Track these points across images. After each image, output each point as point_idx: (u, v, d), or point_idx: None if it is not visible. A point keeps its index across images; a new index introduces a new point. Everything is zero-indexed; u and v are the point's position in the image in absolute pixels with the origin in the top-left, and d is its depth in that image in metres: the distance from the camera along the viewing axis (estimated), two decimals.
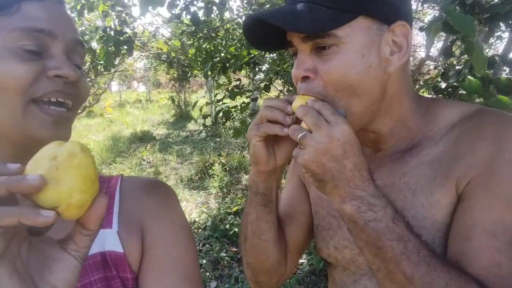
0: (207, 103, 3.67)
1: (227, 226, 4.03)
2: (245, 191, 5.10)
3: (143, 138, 9.13)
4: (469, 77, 1.62)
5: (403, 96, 0.75)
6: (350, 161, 0.63)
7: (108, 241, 0.64)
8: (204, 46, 3.82)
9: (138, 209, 0.69)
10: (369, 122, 0.74)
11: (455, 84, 1.95)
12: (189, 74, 10.94)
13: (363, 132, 0.76)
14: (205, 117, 3.51)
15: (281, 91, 3.72)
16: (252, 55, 3.22)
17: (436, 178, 0.70)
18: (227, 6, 3.43)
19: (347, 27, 0.65)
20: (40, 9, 0.59)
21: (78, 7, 2.61)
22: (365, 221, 0.63)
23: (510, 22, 1.70)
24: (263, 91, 3.30)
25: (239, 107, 3.27)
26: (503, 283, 0.60)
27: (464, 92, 1.67)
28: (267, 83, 3.30)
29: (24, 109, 0.57)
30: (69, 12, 0.69)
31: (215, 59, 3.59)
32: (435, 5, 2.55)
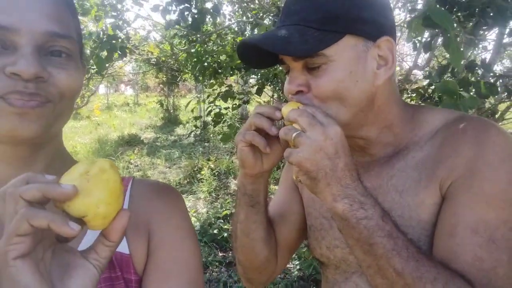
0: (198, 101, 3.68)
1: (216, 230, 4.03)
2: (234, 196, 5.11)
3: (131, 142, 9.06)
4: (447, 78, 1.68)
5: (390, 105, 0.80)
6: (342, 160, 0.67)
7: None
8: (195, 49, 3.84)
9: (146, 212, 0.70)
10: (356, 129, 0.78)
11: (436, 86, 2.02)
12: (178, 78, 10.91)
13: (352, 138, 0.80)
14: (196, 118, 3.52)
15: (271, 96, 3.76)
16: None
17: (421, 180, 0.74)
18: (221, 12, 3.47)
19: (335, 46, 0.70)
20: (4, 2, 0.55)
21: None
22: (357, 218, 0.66)
23: (486, 19, 1.78)
24: (254, 95, 3.33)
25: (230, 108, 3.30)
26: (484, 277, 0.65)
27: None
28: (260, 87, 3.34)
29: None
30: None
31: (205, 63, 3.62)
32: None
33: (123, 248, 0.65)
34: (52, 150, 0.66)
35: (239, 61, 3.35)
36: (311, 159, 0.65)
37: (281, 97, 3.76)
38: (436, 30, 1.81)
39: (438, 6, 1.54)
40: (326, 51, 0.70)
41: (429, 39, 2.18)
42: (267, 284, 1.03)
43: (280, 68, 3.64)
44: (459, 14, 1.86)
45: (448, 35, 1.40)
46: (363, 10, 0.72)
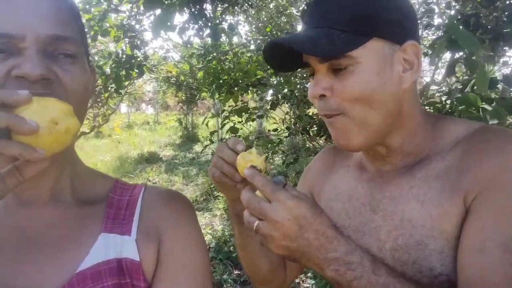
0: (213, 116, 3.72)
1: (231, 248, 4.00)
2: None
3: (150, 159, 9.19)
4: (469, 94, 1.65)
5: (415, 112, 0.79)
6: (310, 231, 0.65)
7: (126, 248, 0.65)
8: (212, 65, 3.90)
9: (157, 219, 0.70)
10: (383, 136, 0.76)
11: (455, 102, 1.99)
12: (197, 97, 11.10)
13: (375, 146, 0.79)
14: (212, 133, 3.55)
15: (287, 113, 3.77)
16: (259, 76, 3.29)
17: (445, 190, 0.72)
18: (235, 31, 3.54)
19: (362, 48, 0.69)
20: (8, 10, 0.56)
21: (92, 32, 2.71)
22: (347, 281, 0.65)
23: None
24: (269, 110, 3.35)
25: (244, 122, 3.32)
26: None
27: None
28: (274, 101, 3.36)
29: None
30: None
31: (221, 80, 3.67)
32: (438, 30, 2.61)
33: (134, 255, 0.65)
34: (64, 158, 0.67)
35: (254, 78, 3.39)
36: (281, 247, 0.66)
37: (294, 112, 3.76)
38: (461, 53, 1.78)
39: (461, 27, 1.52)
40: (353, 53, 0.69)
41: (452, 61, 2.15)
42: None
43: (299, 74, 3.67)
44: (482, 36, 1.84)
45: (474, 57, 1.38)
46: (391, 12, 0.71)
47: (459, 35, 1.29)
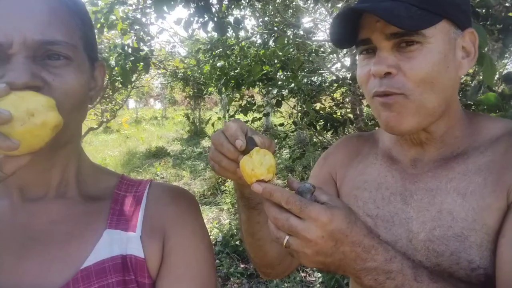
0: (219, 118, 3.73)
1: (238, 242, 4.01)
2: None
3: (158, 154, 9.24)
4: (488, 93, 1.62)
5: (457, 103, 0.79)
6: (346, 244, 0.61)
7: (131, 245, 0.65)
8: (218, 64, 3.91)
9: (162, 216, 0.70)
10: (433, 120, 0.75)
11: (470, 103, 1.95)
12: (204, 92, 11.11)
13: (417, 133, 0.78)
14: None
15: (294, 107, 3.75)
16: (265, 71, 3.28)
17: (487, 184, 0.72)
18: (241, 25, 3.52)
19: (433, 28, 0.69)
20: None
21: (98, 25, 2.72)
22: None
23: None
24: (275, 107, 3.34)
25: (250, 122, 3.31)
26: None
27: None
28: (279, 99, 3.35)
29: None
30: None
31: (228, 76, 3.67)
32: None
33: (138, 251, 0.65)
34: (69, 154, 0.67)
35: (260, 74, 3.38)
36: (315, 262, 0.63)
37: (302, 108, 3.74)
38: None
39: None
40: (426, 31, 0.68)
41: None
42: (284, 276, 1.00)
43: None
44: (491, 27, 1.80)
45: (482, 51, 1.36)
46: None
47: None
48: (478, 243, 0.69)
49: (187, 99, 13.65)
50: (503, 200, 0.69)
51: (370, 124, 3.56)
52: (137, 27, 2.79)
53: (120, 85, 3.54)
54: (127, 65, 2.72)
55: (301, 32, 3.67)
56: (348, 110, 3.74)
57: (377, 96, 0.73)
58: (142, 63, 2.72)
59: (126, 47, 2.75)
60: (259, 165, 0.64)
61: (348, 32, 0.75)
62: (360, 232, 0.62)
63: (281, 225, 0.62)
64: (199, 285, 0.67)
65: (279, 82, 3.86)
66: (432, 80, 0.70)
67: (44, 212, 0.65)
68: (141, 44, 2.85)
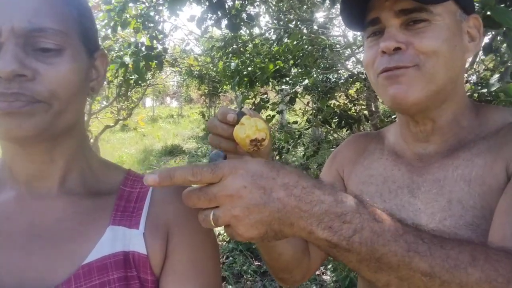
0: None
1: None
2: None
3: (173, 152, 9.33)
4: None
5: (463, 92, 0.79)
6: (278, 189, 0.50)
7: (133, 241, 0.65)
8: (232, 64, 3.91)
9: (166, 213, 0.69)
10: (437, 105, 0.75)
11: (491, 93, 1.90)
12: (219, 90, 11.15)
13: (422, 120, 0.78)
14: None
15: (308, 103, 3.72)
16: (278, 67, 3.25)
17: (486, 164, 0.71)
18: (254, 22, 3.50)
19: (441, 6, 0.71)
20: None
21: (112, 24, 2.75)
22: (346, 238, 0.50)
23: None
24: (288, 104, 3.31)
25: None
26: None
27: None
28: (292, 96, 3.32)
29: None
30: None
31: (242, 74, 3.66)
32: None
33: (141, 248, 0.64)
34: (72, 146, 0.67)
35: (273, 70, 3.36)
36: (252, 226, 0.50)
37: (315, 103, 3.70)
38: (499, 29, 1.70)
39: (497, 4, 1.45)
40: (434, 8, 0.70)
41: (490, 39, 2.04)
42: (303, 282, 0.96)
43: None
44: None
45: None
46: None
47: (496, 12, 1.25)
48: (488, 230, 0.67)
49: (203, 97, 13.73)
50: (503, 176, 0.68)
51: (386, 121, 3.50)
52: (150, 24, 2.81)
53: (135, 83, 3.57)
54: (141, 63, 2.74)
55: (315, 27, 3.63)
56: (363, 107, 3.68)
57: (384, 72, 0.73)
58: (155, 61, 2.73)
59: (139, 45, 2.77)
60: (250, 127, 0.63)
61: (358, 13, 0.76)
62: (291, 173, 0.51)
63: (197, 200, 0.52)
64: (204, 282, 0.66)
65: (293, 79, 3.83)
66: (443, 54, 0.71)
67: (49, 209, 0.65)
68: (155, 42, 2.87)
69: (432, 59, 0.71)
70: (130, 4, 2.74)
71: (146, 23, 2.72)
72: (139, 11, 2.86)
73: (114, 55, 3.06)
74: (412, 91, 0.71)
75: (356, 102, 3.74)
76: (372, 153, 0.93)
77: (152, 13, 2.84)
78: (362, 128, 3.70)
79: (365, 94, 3.78)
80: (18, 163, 0.64)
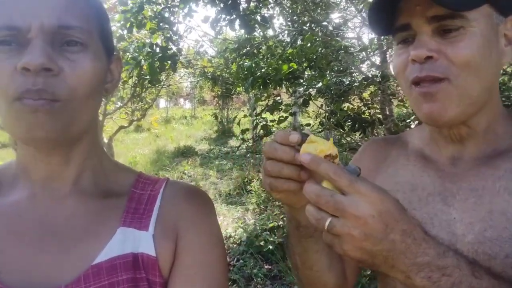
0: (245, 116, 3.72)
1: (262, 242, 3.99)
2: (282, 208, 5.05)
3: (186, 153, 9.39)
4: None
5: (497, 97, 0.75)
6: (396, 231, 0.55)
7: (142, 243, 0.65)
8: (245, 64, 3.91)
9: (176, 215, 0.70)
10: (474, 112, 0.71)
11: None
12: (232, 92, 11.18)
13: (457, 125, 0.73)
14: (243, 131, 3.55)
15: (321, 106, 3.69)
16: (292, 68, 3.24)
17: None
18: (268, 24, 3.50)
19: (476, 11, 0.66)
20: (15, 2, 0.57)
21: (128, 25, 2.77)
22: None
23: None
24: (302, 107, 3.29)
25: (276, 121, 3.28)
26: None
27: None
28: (306, 98, 3.29)
29: (9, 108, 0.56)
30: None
31: (256, 75, 3.65)
32: None
33: (150, 250, 0.64)
34: (87, 147, 0.68)
35: (287, 72, 3.34)
36: (359, 249, 0.55)
37: (329, 106, 3.66)
38: None
39: None
40: (469, 14, 0.65)
41: None
42: None
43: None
44: None
45: None
46: None
47: None
48: None
49: (216, 98, 13.79)
50: None
51: (400, 125, 3.44)
52: (165, 26, 2.83)
53: (149, 84, 3.60)
54: (155, 64, 2.76)
55: (330, 28, 3.60)
56: (377, 110, 3.63)
57: (416, 84, 0.69)
58: (169, 62, 2.75)
59: (154, 46, 2.79)
60: (323, 143, 0.60)
61: (386, 18, 0.72)
62: (409, 221, 0.56)
63: (325, 202, 0.55)
64: (212, 284, 0.66)
65: (307, 81, 3.80)
66: (476, 65, 0.66)
67: (61, 207, 0.65)
68: (169, 43, 2.89)
69: (464, 72, 0.67)
70: (146, 6, 2.76)
71: (161, 24, 2.73)
72: (155, 12, 2.88)
73: (129, 56, 3.09)
74: (447, 109, 0.68)
75: (370, 105, 3.69)
76: (395, 159, 0.88)
77: (167, 15, 2.86)
78: (375, 132, 3.65)
79: (379, 98, 3.73)
80: (34, 165, 0.65)
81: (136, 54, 3.14)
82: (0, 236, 0.62)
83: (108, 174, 0.72)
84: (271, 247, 3.87)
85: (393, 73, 0.77)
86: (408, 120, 3.22)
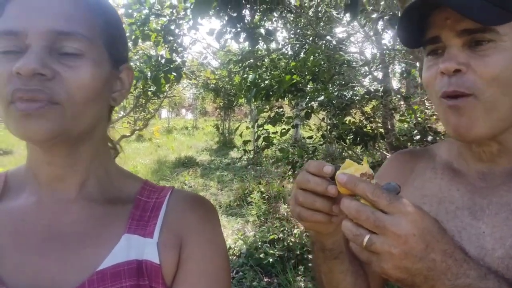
0: (247, 128, 3.74)
1: (262, 255, 3.96)
2: (283, 221, 5.02)
3: (187, 163, 9.37)
4: None
5: None
6: (437, 251, 0.54)
7: (147, 250, 0.65)
8: (250, 77, 3.94)
9: (180, 223, 0.70)
10: (503, 129, 0.70)
11: None
12: (234, 103, 11.23)
13: (487, 141, 0.72)
14: (245, 142, 3.56)
15: (323, 119, 3.70)
16: (295, 80, 3.26)
17: None
18: (272, 37, 3.54)
19: (507, 26, 0.65)
20: (17, 6, 0.57)
21: (133, 37, 2.81)
22: None
23: None
24: (304, 119, 3.31)
25: (279, 133, 3.29)
26: None
27: None
28: (308, 110, 3.31)
29: (6, 111, 0.57)
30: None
31: (259, 86, 3.68)
32: None
33: (154, 257, 0.65)
34: (92, 152, 0.68)
35: (288, 85, 3.37)
36: (399, 268, 0.54)
37: (331, 119, 3.68)
38: None
39: None
40: (500, 28, 0.64)
41: None
42: None
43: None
44: None
45: None
46: None
47: None
48: None
49: (218, 110, 13.84)
50: None
51: (402, 139, 3.45)
52: (170, 38, 2.87)
53: (153, 95, 3.63)
54: (160, 75, 2.79)
55: (334, 43, 3.63)
56: (379, 124, 3.64)
57: (445, 97, 0.68)
58: (174, 73, 2.78)
59: (159, 58, 2.83)
60: (357, 165, 0.60)
61: (416, 29, 0.72)
62: (450, 242, 0.56)
63: (365, 218, 0.54)
64: None
65: (309, 94, 3.83)
66: (505, 80, 0.65)
67: (66, 213, 0.65)
68: (174, 55, 2.92)
69: (492, 87, 0.65)
70: (152, 18, 2.80)
71: (166, 36, 2.77)
72: (160, 24, 2.92)
73: (134, 67, 3.13)
74: (473, 124, 0.67)
75: (372, 119, 3.70)
76: (422, 172, 0.86)
77: (172, 27, 2.90)
78: (377, 145, 3.66)
79: (381, 112, 3.75)
80: (40, 166, 0.65)
81: (142, 65, 3.17)
82: (6, 241, 0.62)
83: (114, 180, 0.72)
84: (271, 260, 3.84)
85: (423, 84, 0.76)
86: (410, 135, 3.23)
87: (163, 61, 2.91)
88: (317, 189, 0.62)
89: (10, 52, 0.56)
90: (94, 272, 0.60)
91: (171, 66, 2.86)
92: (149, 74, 2.79)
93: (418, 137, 3.01)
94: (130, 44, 3.09)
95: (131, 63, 3.35)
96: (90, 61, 0.60)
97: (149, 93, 3.39)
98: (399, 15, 0.74)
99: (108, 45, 0.64)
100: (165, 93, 5.65)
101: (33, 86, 0.55)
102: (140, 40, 2.85)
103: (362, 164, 0.60)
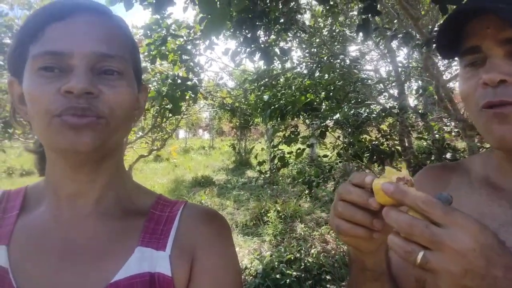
0: (262, 149, 3.75)
1: (278, 275, 3.89)
2: (300, 241, 4.94)
3: (203, 183, 9.40)
4: None
5: None
6: (498, 268, 0.49)
7: (159, 263, 0.66)
8: (265, 97, 3.98)
9: (192, 237, 0.71)
10: None
11: None
12: (250, 123, 11.30)
13: None
14: (260, 163, 3.56)
15: (338, 137, 3.68)
16: (309, 99, 3.27)
17: None
18: (287, 57, 3.58)
19: None
20: (59, 30, 0.62)
21: (151, 57, 2.90)
22: None
23: None
24: (319, 138, 3.30)
25: (294, 153, 3.28)
26: None
27: None
28: (323, 130, 3.30)
29: (49, 124, 0.60)
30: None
31: (274, 106, 3.71)
32: None
33: (166, 270, 0.66)
34: (113, 167, 0.71)
35: (304, 102, 3.38)
36: (458, 287, 0.50)
37: (346, 137, 3.65)
38: None
39: None
40: None
41: None
42: None
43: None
44: None
45: None
46: None
47: None
48: None
49: (234, 129, 13.95)
50: None
51: (420, 157, 3.39)
52: (187, 57, 2.94)
53: (170, 113, 3.70)
54: (177, 94, 2.85)
55: (347, 61, 3.65)
56: (396, 142, 3.60)
57: (488, 107, 0.66)
58: (190, 92, 2.83)
59: (176, 77, 2.90)
60: (395, 170, 0.56)
61: (452, 39, 0.69)
62: (510, 256, 0.51)
63: (419, 233, 0.49)
64: None
65: (324, 112, 3.83)
66: None
67: (82, 226, 0.67)
68: (191, 74, 2.99)
69: None
70: (169, 38, 2.89)
71: (182, 55, 2.85)
72: (177, 45, 3.01)
73: (152, 88, 3.21)
74: None
75: (389, 137, 3.66)
76: (457, 187, 0.82)
77: (189, 47, 2.98)
78: (394, 164, 3.60)
79: (398, 129, 3.71)
80: (62, 182, 0.67)
81: (159, 85, 3.25)
82: (25, 254, 0.63)
83: (130, 195, 0.74)
84: (288, 281, 3.76)
85: (460, 97, 0.73)
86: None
87: (179, 80, 2.97)
88: (358, 200, 0.59)
89: (48, 68, 0.60)
90: (108, 284, 0.61)
91: (188, 84, 2.92)
92: (164, 90, 2.85)
93: (435, 155, 2.96)
94: (148, 63, 3.19)
95: (149, 85, 3.44)
96: (127, 80, 0.66)
97: (167, 112, 3.46)
98: (439, 23, 0.73)
99: (134, 66, 0.70)
100: (182, 113, 5.74)
101: (83, 103, 0.59)
102: (158, 61, 2.94)
103: (401, 171, 0.57)
